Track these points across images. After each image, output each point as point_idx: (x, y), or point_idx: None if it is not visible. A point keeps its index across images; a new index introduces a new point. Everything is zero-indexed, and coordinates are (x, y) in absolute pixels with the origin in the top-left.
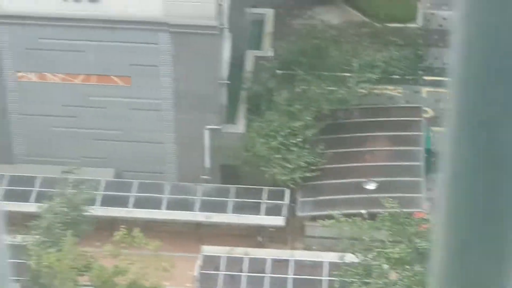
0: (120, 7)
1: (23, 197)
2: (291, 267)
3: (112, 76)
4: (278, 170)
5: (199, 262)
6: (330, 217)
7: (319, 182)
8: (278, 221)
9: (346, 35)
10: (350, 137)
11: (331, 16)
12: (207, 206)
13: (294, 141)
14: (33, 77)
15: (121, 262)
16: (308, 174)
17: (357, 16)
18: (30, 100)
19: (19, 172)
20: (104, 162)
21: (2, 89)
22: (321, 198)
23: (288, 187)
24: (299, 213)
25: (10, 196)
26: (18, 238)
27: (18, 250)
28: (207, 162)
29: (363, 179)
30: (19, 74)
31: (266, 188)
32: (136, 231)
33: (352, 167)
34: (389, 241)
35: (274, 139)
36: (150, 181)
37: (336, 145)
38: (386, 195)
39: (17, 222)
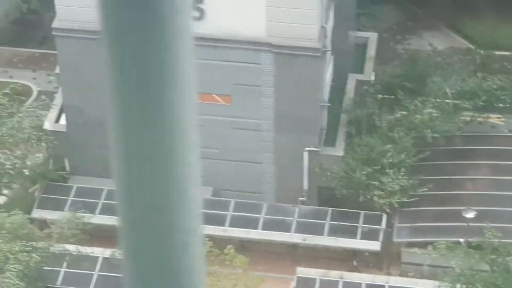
0: (224, 26)
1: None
2: None
3: (213, 94)
4: (375, 193)
5: (293, 283)
6: (427, 243)
7: (417, 208)
8: (374, 245)
9: (450, 61)
10: (450, 164)
11: (435, 42)
12: (303, 228)
13: (391, 166)
14: None
15: (211, 280)
16: (405, 199)
17: (462, 43)
18: None
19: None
20: (202, 180)
21: None
22: (418, 224)
23: (385, 211)
24: (396, 239)
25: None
26: (109, 252)
27: (109, 263)
28: (305, 184)
29: (462, 207)
30: None
31: (363, 212)
32: (228, 248)
33: (451, 195)
34: (487, 271)
35: (371, 163)
36: (247, 200)
37: (436, 172)
38: (486, 224)
39: (107, 235)
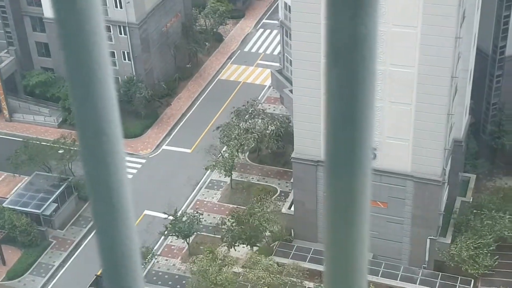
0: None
1: None
2: None
3: (377, 201)
4: (468, 267)
5: None
6: None
7: (496, 278)
8: None
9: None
10: None
11: (509, 182)
12: (424, 283)
13: (485, 252)
14: None
15: None
16: (489, 272)
17: None
18: None
19: None
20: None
21: None
22: None
23: (474, 277)
24: None
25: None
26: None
27: None
28: (427, 257)
29: None
30: None
31: (459, 277)
32: None
33: None
34: None
35: (466, 248)
36: (391, 263)
37: None
38: None
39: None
